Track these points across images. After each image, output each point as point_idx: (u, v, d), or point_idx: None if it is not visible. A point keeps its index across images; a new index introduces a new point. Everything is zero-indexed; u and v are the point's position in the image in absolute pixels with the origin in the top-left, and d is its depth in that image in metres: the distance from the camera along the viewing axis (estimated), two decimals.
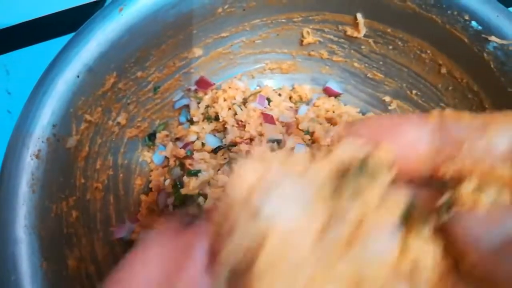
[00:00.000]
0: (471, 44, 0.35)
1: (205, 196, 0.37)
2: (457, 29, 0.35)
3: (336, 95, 0.46)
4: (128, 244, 0.38)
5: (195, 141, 0.41)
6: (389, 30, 0.39)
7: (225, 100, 0.43)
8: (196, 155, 0.40)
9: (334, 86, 0.45)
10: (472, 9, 0.34)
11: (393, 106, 0.44)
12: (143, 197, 0.41)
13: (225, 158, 0.40)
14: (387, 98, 0.44)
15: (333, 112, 0.44)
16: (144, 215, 0.40)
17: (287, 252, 0.13)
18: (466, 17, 0.34)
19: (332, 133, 0.17)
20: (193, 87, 0.43)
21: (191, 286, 0.15)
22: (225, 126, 0.42)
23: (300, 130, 0.41)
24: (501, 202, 0.13)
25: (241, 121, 0.41)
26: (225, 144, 0.41)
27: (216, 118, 0.42)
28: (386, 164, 0.15)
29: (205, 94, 0.44)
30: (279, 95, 0.45)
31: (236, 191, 0.14)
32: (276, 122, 0.41)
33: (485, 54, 0.34)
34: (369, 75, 0.43)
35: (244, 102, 0.43)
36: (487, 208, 0.13)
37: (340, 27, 0.41)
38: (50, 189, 0.30)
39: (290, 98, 0.46)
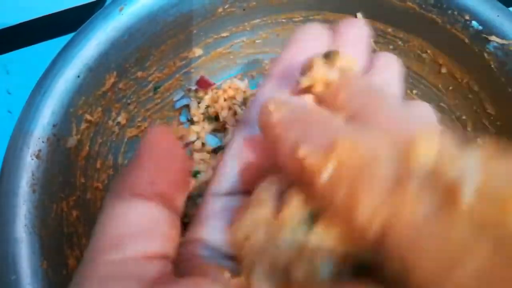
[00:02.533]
0: (472, 44, 0.35)
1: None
2: (458, 29, 0.35)
3: None
4: None
5: (195, 141, 0.41)
6: (389, 30, 0.39)
7: (225, 100, 0.43)
8: (195, 156, 0.40)
9: None
10: (472, 9, 0.34)
11: None
12: None
13: None
14: None
15: None
16: None
17: None
18: (467, 17, 0.34)
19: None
20: (193, 87, 0.43)
21: None
22: (225, 126, 0.42)
23: None
24: None
25: None
26: (225, 144, 0.41)
27: (216, 118, 0.42)
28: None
29: (206, 94, 0.44)
30: None
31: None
32: None
33: (485, 54, 0.34)
34: None
35: (245, 102, 0.43)
36: None
37: None
38: (51, 188, 0.30)
39: None
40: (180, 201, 0.15)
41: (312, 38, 0.18)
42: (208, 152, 0.41)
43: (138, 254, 0.12)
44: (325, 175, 0.11)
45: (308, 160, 0.11)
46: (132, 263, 0.12)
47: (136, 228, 0.13)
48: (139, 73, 0.37)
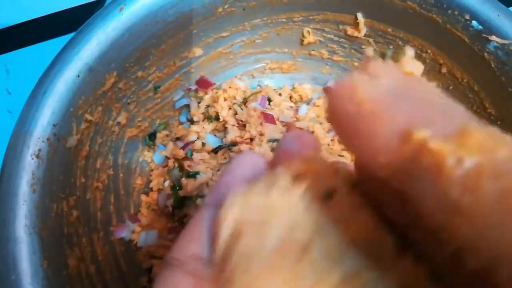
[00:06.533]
0: (472, 43, 0.35)
1: (203, 198, 0.37)
2: (458, 28, 0.35)
3: None
4: (128, 244, 0.38)
5: (195, 140, 0.41)
6: (389, 29, 0.39)
7: (225, 99, 0.43)
8: (195, 156, 0.40)
9: None
10: (472, 9, 0.34)
11: None
12: (143, 197, 0.41)
13: (225, 158, 0.40)
14: None
15: None
16: (144, 215, 0.40)
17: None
18: (467, 17, 0.34)
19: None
20: (193, 87, 0.43)
21: None
22: (226, 125, 0.42)
23: (300, 129, 0.41)
24: None
25: (242, 120, 0.41)
26: (225, 144, 0.41)
27: (217, 118, 0.42)
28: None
29: (206, 93, 0.44)
30: (280, 94, 0.45)
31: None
32: (277, 122, 0.41)
33: (485, 54, 0.34)
34: None
35: (245, 101, 0.43)
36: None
37: (340, 27, 0.41)
38: (51, 188, 0.30)
39: (291, 97, 0.46)
40: None
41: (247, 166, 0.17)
42: (208, 152, 0.41)
43: None
44: (456, 162, 0.10)
45: (433, 144, 0.10)
46: None
47: None
48: (139, 73, 0.37)
